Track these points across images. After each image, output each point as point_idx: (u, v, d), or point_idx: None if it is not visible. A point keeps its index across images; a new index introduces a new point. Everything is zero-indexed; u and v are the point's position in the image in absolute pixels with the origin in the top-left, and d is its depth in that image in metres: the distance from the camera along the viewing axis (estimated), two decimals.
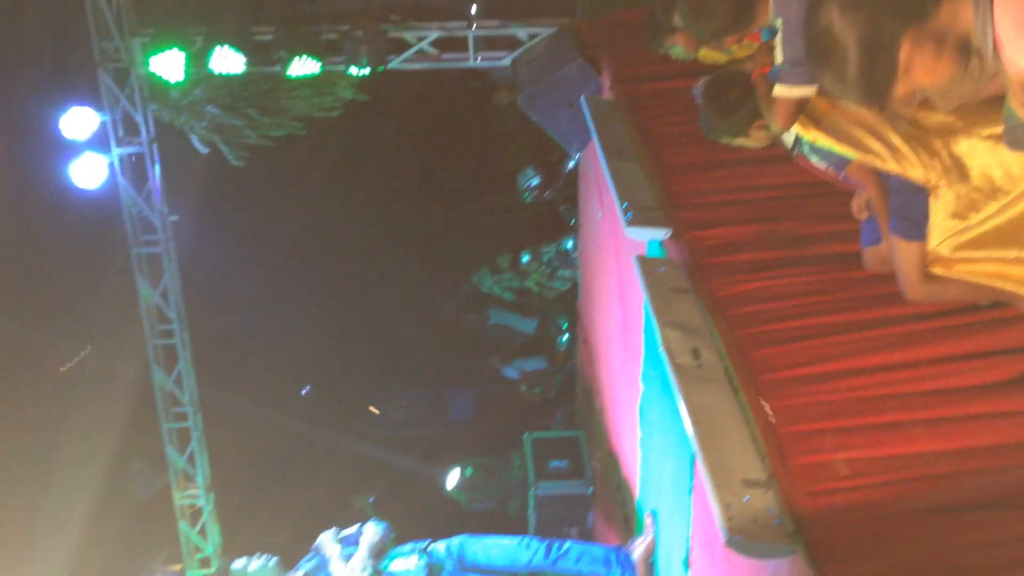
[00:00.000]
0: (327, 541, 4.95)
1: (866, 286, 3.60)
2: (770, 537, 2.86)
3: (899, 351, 3.34)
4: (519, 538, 5.09)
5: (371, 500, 5.14)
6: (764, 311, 3.67)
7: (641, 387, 5.25)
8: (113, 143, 7.32)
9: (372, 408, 9.36)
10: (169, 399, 8.31)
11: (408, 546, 4.99)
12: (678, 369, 3.49)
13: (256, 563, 4.79)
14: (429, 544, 4.94)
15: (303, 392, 9.64)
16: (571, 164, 8.51)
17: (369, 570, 4.72)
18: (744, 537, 2.86)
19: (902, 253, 3.15)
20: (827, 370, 3.36)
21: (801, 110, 3.05)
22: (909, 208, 3.08)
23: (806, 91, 3.01)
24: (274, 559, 4.89)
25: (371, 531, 4.97)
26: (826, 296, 3.67)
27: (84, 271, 7.63)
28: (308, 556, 5.04)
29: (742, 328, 3.60)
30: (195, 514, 8.84)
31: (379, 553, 4.86)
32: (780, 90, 3.04)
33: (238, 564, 4.83)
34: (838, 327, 3.54)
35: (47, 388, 7.40)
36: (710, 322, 3.71)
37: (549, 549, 4.95)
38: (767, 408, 3.15)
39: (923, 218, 3.01)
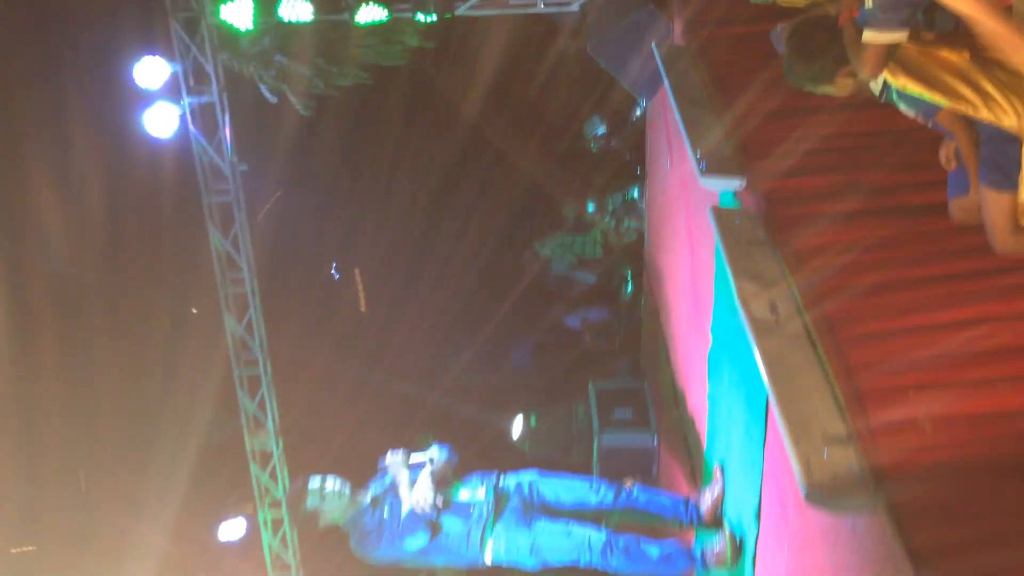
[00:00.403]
0: (396, 464, 4.97)
1: (952, 238, 3.50)
2: (850, 493, 2.83)
3: (986, 305, 3.25)
4: (588, 480, 5.11)
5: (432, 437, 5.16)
6: (845, 263, 3.59)
7: (710, 339, 5.20)
8: (184, 92, 7.39)
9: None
10: (240, 346, 8.46)
11: (476, 477, 5.02)
12: (754, 323, 3.44)
13: (330, 483, 4.88)
14: (498, 476, 4.98)
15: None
16: (638, 112, 8.39)
17: (434, 497, 4.75)
18: (823, 492, 2.83)
19: (991, 204, 3.06)
20: (910, 324, 3.29)
21: (891, 56, 2.95)
22: (1000, 157, 2.99)
23: (897, 36, 2.91)
24: (347, 482, 4.98)
25: (435, 454, 5.00)
26: (910, 248, 3.58)
27: (158, 219, 7.77)
28: (377, 476, 5.07)
29: (821, 281, 3.53)
30: (265, 458, 9.04)
31: (443, 480, 4.86)
32: (869, 35, 2.94)
33: (314, 484, 4.91)
34: (922, 280, 3.45)
35: (124, 336, 7.58)
36: (787, 275, 3.65)
37: (617, 493, 4.96)
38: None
39: (1015, 168, 2.92)
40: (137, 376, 7.64)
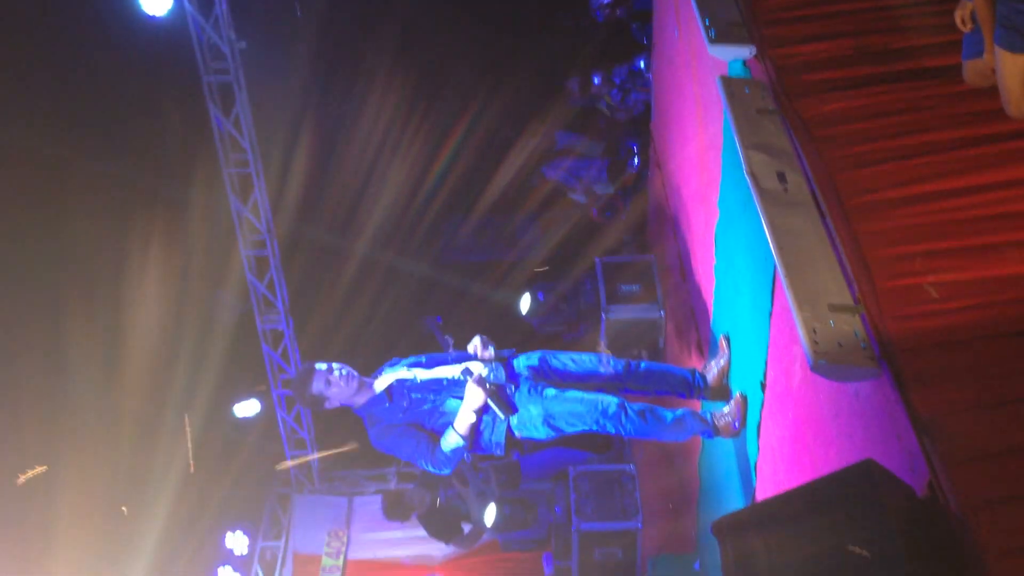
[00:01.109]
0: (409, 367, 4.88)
1: (965, 102, 3.44)
2: (856, 361, 2.86)
3: (997, 170, 3.22)
4: (596, 355, 5.10)
5: (439, 320, 5.00)
6: (854, 131, 3.54)
7: (718, 212, 5.17)
8: None
9: None
10: (247, 227, 8.47)
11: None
12: (763, 193, 3.41)
13: (336, 371, 4.70)
14: (508, 354, 4.93)
15: None
16: None
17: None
18: (829, 361, 2.86)
19: (1007, 66, 3.00)
20: (920, 191, 3.26)
21: None
22: (1017, 18, 2.91)
23: None
24: (354, 372, 4.82)
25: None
26: (921, 114, 3.52)
27: (155, 99, 7.64)
28: (387, 364, 4.96)
29: (830, 149, 3.48)
30: (277, 338, 9.17)
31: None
32: None
33: (320, 368, 4.78)
34: (933, 146, 3.41)
35: (124, 213, 7.53)
36: (797, 144, 3.60)
37: (627, 366, 4.97)
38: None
39: None
40: (138, 257, 7.63)
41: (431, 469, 4.64)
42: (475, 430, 4.63)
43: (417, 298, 9.65)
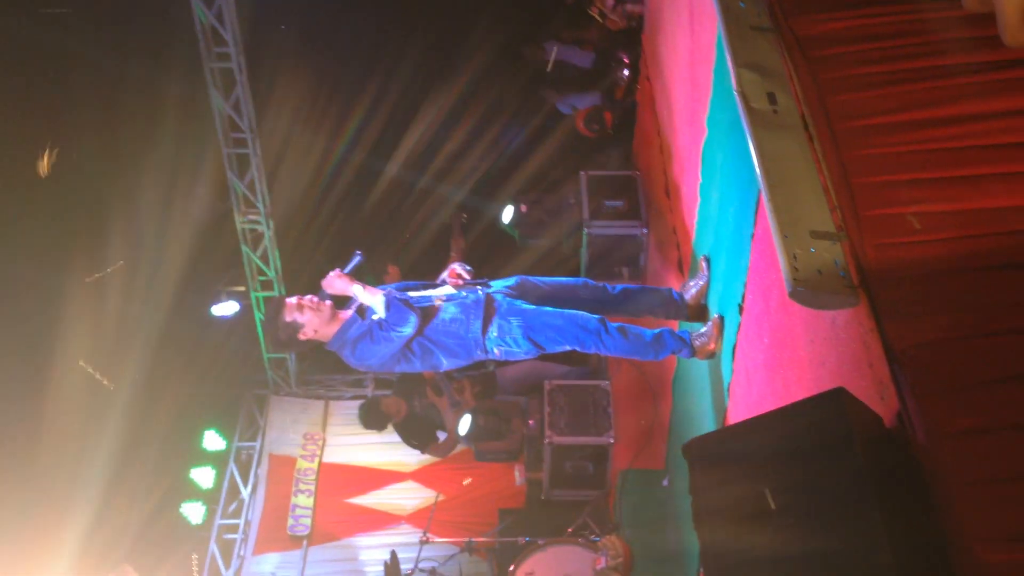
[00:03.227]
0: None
1: (963, 27, 3.34)
2: (834, 289, 2.83)
3: (992, 99, 3.15)
4: (575, 279, 5.08)
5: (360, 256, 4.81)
6: (849, 53, 3.45)
7: (706, 130, 5.09)
8: None
9: None
10: (228, 124, 8.30)
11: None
12: (752, 113, 3.34)
13: (308, 300, 4.62)
14: (486, 280, 4.91)
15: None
16: None
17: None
18: (808, 288, 2.83)
19: None
20: (910, 119, 3.20)
21: None
22: None
23: None
24: (327, 299, 4.76)
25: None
26: (918, 38, 3.42)
27: None
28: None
29: (824, 71, 3.40)
30: (256, 239, 9.08)
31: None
32: None
33: (291, 301, 4.70)
34: (927, 72, 3.32)
35: (99, 103, 7.35)
36: (790, 64, 3.51)
37: (604, 288, 4.96)
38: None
39: None
40: (121, 150, 7.50)
41: (404, 331, 4.54)
42: (445, 330, 4.62)
43: (399, 204, 9.56)
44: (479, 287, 4.76)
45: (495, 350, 4.65)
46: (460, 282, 4.82)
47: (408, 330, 4.53)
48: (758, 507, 2.65)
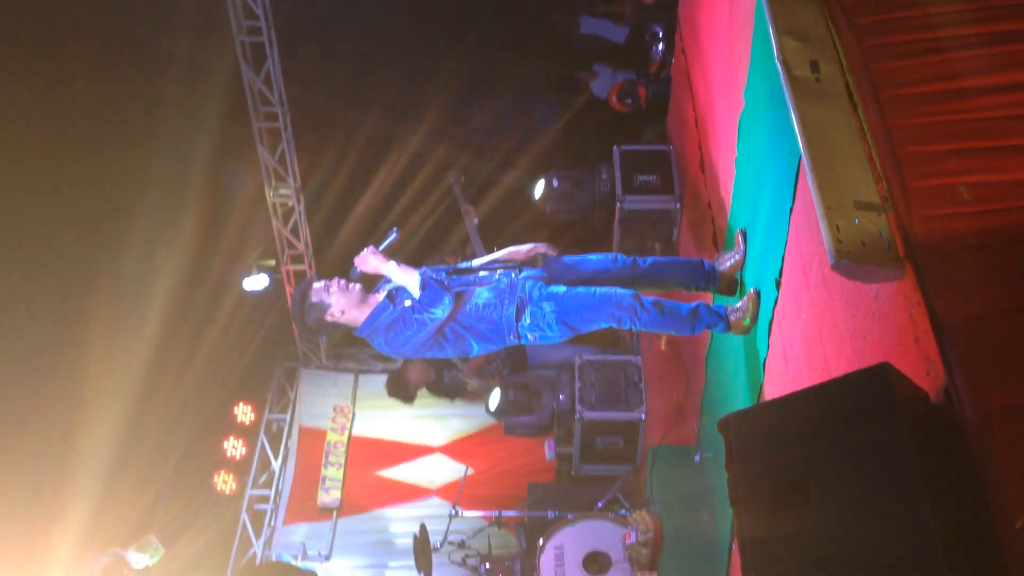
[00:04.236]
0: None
1: None
2: (879, 261, 2.76)
3: None
4: (604, 254, 5.00)
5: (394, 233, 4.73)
6: (894, 19, 3.34)
7: (743, 102, 4.99)
8: None
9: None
10: (258, 98, 8.29)
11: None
12: (794, 82, 3.25)
13: (335, 285, 4.57)
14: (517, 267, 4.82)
15: None
16: None
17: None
18: (851, 260, 2.76)
19: None
20: (958, 87, 3.09)
21: None
22: None
23: None
24: (355, 284, 4.70)
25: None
26: (966, 4, 3.31)
27: None
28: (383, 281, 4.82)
29: (869, 38, 3.29)
30: (287, 213, 9.09)
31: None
32: None
33: (317, 285, 4.64)
34: (975, 39, 3.21)
35: (141, 77, 7.35)
36: (833, 31, 3.41)
37: (635, 261, 4.88)
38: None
39: None
40: (157, 126, 7.50)
41: (437, 314, 4.47)
42: (478, 315, 4.56)
43: (430, 178, 9.50)
44: (512, 271, 4.70)
45: (529, 336, 4.58)
46: (540, 260, 4.74)
47: (441, 312, 4.47)
48: (797, 484, 2.60)
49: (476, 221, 8.19)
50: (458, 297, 4.55)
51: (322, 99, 8.86)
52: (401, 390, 8.26)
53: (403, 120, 9.37)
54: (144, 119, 7.45)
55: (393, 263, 4.57)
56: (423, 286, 4.48)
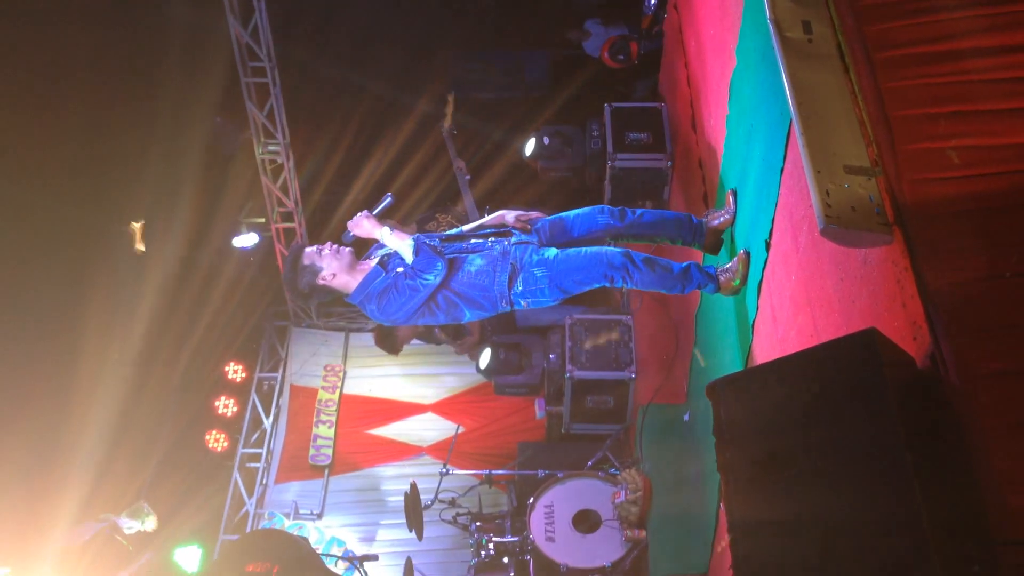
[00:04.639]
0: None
1: None
2: (868, 226, 2.74)
3: None
4: (592, 207, 4.94)
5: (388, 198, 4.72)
6: None
7: (735, 60, 4.94)
8: None
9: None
10: (246, 52, 8.17)
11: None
12: (785, 42, 3.21)
13: (327, 249, 4.55)
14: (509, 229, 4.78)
15: None
16: None
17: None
18: (840, 225, 2.74)
19: None
20: (952, 48, 3.05)
21: None
22: None
23: None
24: (346, 248, 4.68)
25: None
26: None
27: None
28: (374, 247, 4.83)
29: None
30: (276, 170, 9.01)
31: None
32: None
33: (309, 250, 4.63)
34: (969, 0, 3.17)
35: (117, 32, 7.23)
36: None
37: (623, 212, 4.83)
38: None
39: None
40: (138, 82, 7.39)
41: (430, 280, 4.46)
42: (471, 282, 4.55)
43: (419, 134, 9.42)
44: (504, 237, 4.67)
45: (522, 303, 4.57)
46: (528, 228, 4.71)
47: (434, 278, 4.45)
48: (784, 450, 2.60)
49: (468, 177, 8.12)
50: (450, 264, 4.53)
51: (317, 60, 8.75)
52: (389, 344, 8.26)
53: (399, 82, 9.27)
54: (143, 81, 7.36)
55: (387, 228, 4.57)
56: (416, 251, 4.46)
